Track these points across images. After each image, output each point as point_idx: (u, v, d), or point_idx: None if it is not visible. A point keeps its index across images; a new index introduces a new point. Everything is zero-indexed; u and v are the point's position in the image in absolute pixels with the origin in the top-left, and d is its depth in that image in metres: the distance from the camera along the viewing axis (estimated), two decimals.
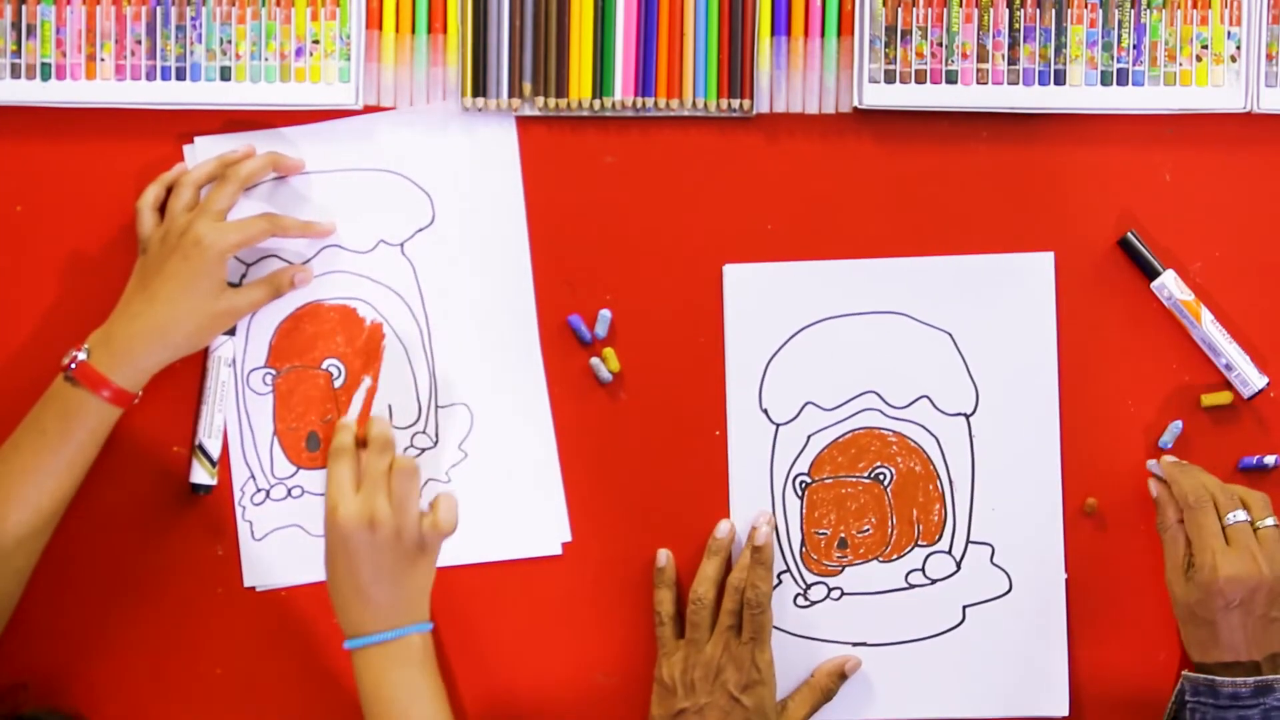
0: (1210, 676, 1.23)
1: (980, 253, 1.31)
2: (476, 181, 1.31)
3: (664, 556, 1.31)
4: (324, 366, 1.32)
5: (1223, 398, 1.31)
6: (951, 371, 1.32)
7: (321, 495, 1.29)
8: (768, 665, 1.28)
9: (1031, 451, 1.31)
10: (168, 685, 1.31)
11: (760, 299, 1.31)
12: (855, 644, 1.32)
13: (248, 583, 1.31)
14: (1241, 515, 1.24)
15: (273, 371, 1.32)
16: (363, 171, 1.31)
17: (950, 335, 1.32)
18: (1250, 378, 1.30)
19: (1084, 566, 1.32)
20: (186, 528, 1.31)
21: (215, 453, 1.30)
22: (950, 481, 1.32)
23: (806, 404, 1.32)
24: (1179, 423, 1.31)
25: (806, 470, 1.32)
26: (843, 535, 1.32)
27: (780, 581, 1.32)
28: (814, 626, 1.32)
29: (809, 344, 1.32)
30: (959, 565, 1.32)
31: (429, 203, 1.32)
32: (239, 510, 1.31)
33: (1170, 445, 1.31)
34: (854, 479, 1.32)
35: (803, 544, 1.32)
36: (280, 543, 1.32)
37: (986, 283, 1.31)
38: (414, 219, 1.32)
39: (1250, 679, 1.21)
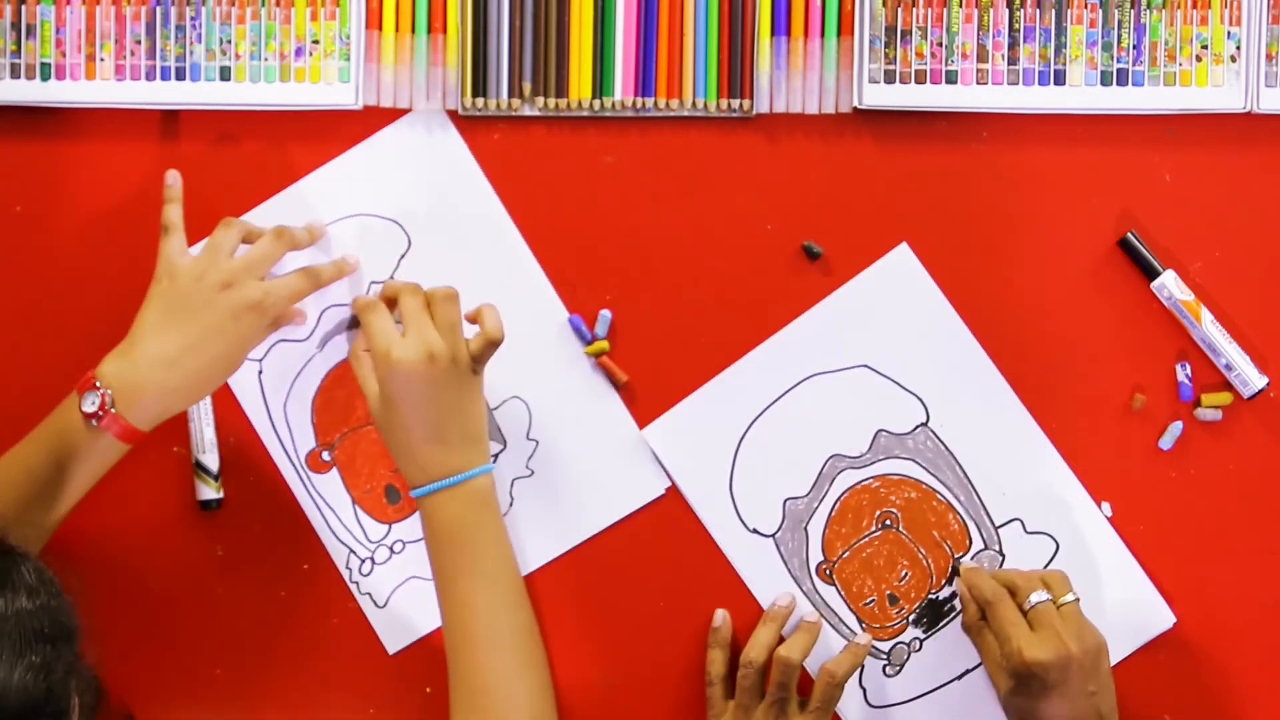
0: None
1: (980, 252, 1.32)
2: (435, 190, 1.30)
3: (720, 617, 1.30)
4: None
5: (1223, 398, 1.31)
6: (888, 396, 1.31)
7: (418, 541, 1.29)
8: None
9: (997, 414, 1.30)
10: (165, 686, 1.31)
11: (689, 438, 1.30)
12: (962, 675, 1.31)
13: (392, 650, 1.31)
14: (1043, 596, 1.23)
15: (328, 448, 1.31)
16: (332, 223, 1.31)
17: (866, 366, 1.31)
18: (1250, 378, 1.30)
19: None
20: (188, 528, 1.31)
21: (214, 466, 1.30)
22: (948, 487, 1.32)
23: (786, 500, 1.31)
24: (1179, 423, 1.31)
25: (822, 556, 1.32)
26: (889, 592, 1.31)
27: (864, 668, 1.31)
28: (915, 684, 1.31)
29: (753, 450, 1.31)
30: (1002, 553, 1.31)
31: (400, 229, 1.31)
32: (352, 588, 1.31)
33: (1170, 446, 1.31)
34: (866, 538, 1.31)
35: (859, 621, 1.32)
36: (405, 599, 1.31)
37: (867, 302, 1.31)
38: (392, 249, 1.31)
39: None
